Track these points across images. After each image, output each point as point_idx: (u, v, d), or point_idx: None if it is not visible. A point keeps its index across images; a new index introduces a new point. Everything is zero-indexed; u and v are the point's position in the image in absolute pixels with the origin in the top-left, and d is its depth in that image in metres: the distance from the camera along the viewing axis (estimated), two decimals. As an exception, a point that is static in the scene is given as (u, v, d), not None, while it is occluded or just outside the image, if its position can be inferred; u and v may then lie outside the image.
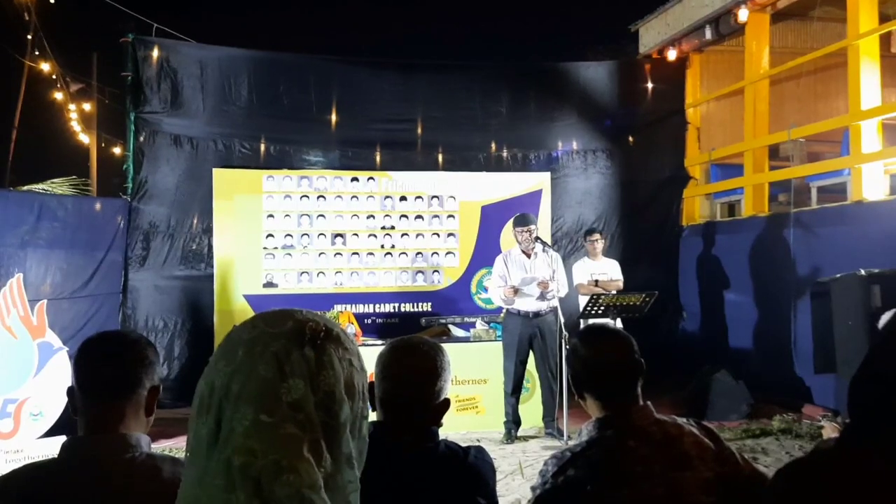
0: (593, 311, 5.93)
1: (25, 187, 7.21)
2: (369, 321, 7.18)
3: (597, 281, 6.73)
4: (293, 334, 0.84)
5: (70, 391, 1.55)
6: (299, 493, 0.76)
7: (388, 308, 7.39)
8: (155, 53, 7.23)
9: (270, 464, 0.76)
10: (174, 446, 5.60)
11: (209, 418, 0.81)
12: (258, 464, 0.76)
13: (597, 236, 6.93)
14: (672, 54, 8.72)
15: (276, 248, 7.16)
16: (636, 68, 8.77)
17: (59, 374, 5.19)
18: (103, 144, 14.55)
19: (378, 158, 7.85)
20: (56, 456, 1.48)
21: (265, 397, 0.79)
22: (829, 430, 3.14)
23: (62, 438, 1.52)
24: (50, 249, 6.37)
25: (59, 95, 12.33)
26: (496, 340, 6.21)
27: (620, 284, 6.75)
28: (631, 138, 8.55)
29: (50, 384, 5.15)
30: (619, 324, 6.15)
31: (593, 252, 6.90)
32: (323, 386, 0.82)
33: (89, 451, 1.48)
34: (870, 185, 6.39)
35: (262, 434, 0.77)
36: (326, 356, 0.84)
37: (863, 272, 5.11)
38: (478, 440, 5.75)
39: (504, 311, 6.06)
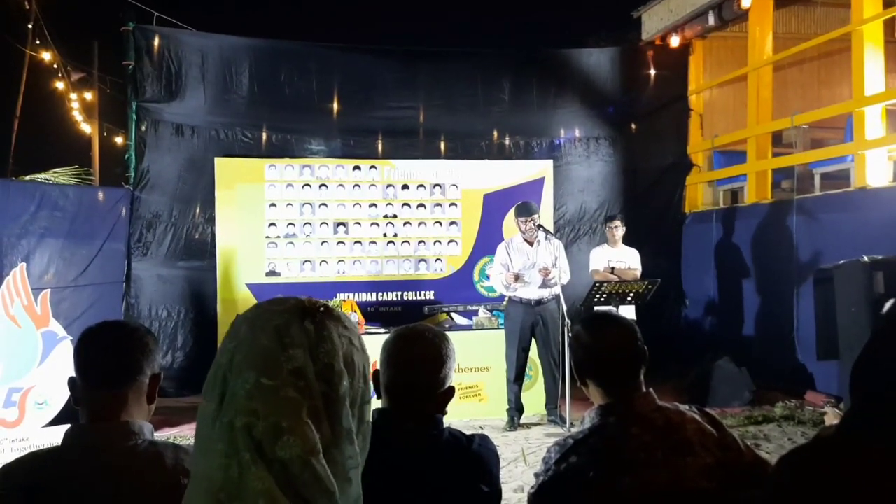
0: (597, 299, 5.94)
1: (28, 177, 7.21)
2: (372, 310, 7.19)
3: (613, 268, 6.61)
4: (294, 309, 0.88)
5: (71, 381, 1.56)
6: (300, 457, 0.79)
7: (390, 296, 7.39)
8: (156, 42, 7.21)
9: (271, 426, 0.79)
10: (178, 434, 5.63)
11: (214, 394, 0.84)
12: (260, 425, 0.79)
13: (617, 223, 6.75)
14: (675, 41, 8.67)
15: (278, 236, 7.16)
16: (639, 55, 8.72)
17: (64, 363, 5.21)
18: (105, 134, 14.52)
19: (380, 146, 7.84)
20: (59, 444, 1.49)
21: (267, 363, 0.82)
22: (832, 417, 3.16)
23: (67, 427, 1.53)
24: (53, 239, 6.38)
25: (60, 85, 12.30)
26: (499, 328, 6.22)
27: (637, 274, 6.58)
28: (633, 125, 8.52)
29: (54, 373, 5.17)
30: (631, 312, 6.17)
31: (613, 239, 6.74)
32: (322, 357, 0.85)
33: (92, 439, 1.49)
34: (873, 171, 6.37)
35: (264, 396, 0.81)
36: (326, 331, 0.87)
37: (866, 259, 5.10)
38: (481, 427, 5.77)
39: (506, 298, 6.07)
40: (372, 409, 1.70)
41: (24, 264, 5.45)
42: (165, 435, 5.49)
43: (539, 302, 5.86)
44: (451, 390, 1.74)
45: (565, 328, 5.54)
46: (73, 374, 1.57)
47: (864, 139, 6.45)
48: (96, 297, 6.72)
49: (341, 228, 7.32)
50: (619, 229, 6.74)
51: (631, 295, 6.08)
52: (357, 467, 0.87)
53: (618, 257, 6.71)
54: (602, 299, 5.95)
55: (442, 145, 7.99)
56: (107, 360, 1.55)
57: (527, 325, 5.85)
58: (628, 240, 6.95)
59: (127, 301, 7.08)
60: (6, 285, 5.19)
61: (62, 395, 5.09)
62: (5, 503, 1.40)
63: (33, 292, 5.29)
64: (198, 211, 7.32)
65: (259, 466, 0.78)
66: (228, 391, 0.83)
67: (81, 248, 6.63)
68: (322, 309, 0.89)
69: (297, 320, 0.86)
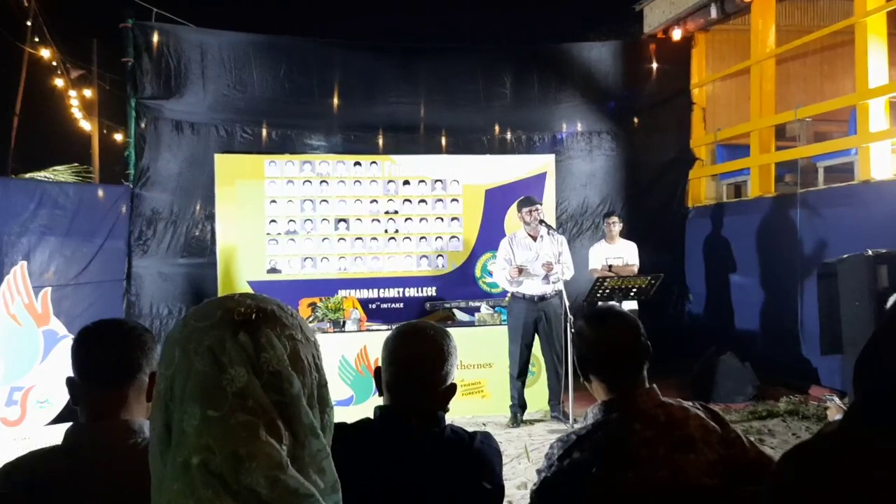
0: (599, 295, 5.93)
1: (27, 175, 7.21)
2: (374, 306, 7.18)
3: (611, 266, 6.67)
4: (224, 324, 0.82)
5: (69, 381, 1.55)
6: (267, 477, 0.75)
7: (392, 293, 7.38)
8: (155, 39, 7.19)
9: (229, 456, 0.75)
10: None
11: (157, 423, 0.81)
12: (217, 459, 0.75)
13: (615, 219, 6.83)
14: (677, 34, 8.64)
15: (279, 233, 7.15)
16: (641, 48, 8.69)
17: (65, 361, 5.20)
18: (105, 131, 14.54)
19: (381, 142, 7.82)
20: (60, 443, 1.49)
21: (208, 392, 0.78)
22: (834, 411, 3.14)
23: (68, 425, 1.53)
24: (53, 237, 6.37)
25: (59, 82, 12.30)
26: (501, 324, 6.21)
27: (635, 269, 6.66)
28: (636, 119, 8.50)
29: (55, 371, 5.17)
30: (634, 306, 6.19)
31: (610, 235, 6.82)
32: (266, 367, 0.81)
33: (93, 438, 1.48)
34: (877, 164, 6.35)
35: (213, 429, 0.76)
36: (264, 337, 0.82)
37: (870, 252, 5.09)
38: (483, 424, 5.76)
39: (509, 294, 6.06)
40: (374, 407, 1.70)
41: (25, 262, 5.45)
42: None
43: (542, 298, 5.85)
44: (453, 387, 1.73)
45: (568, 324, 5.53)
46: (71, 373, 1.56)
47: (867, 132, 6.42)
48: (97, 295, 6.71)
49: (342, 225, 7.30)
50: (616, 225, 6.81)
51: (634, 290, 6.07)
52: (328, 456, 0.84)
53: (615, 253, 6.77)
54: (605, 295, 5.94)
55: (443, 140, 7.97)
56: (105, 358, 1.54)
57: (530, 321, 5.84)
58: (631, 234, 6.95)
59: (128, 299, 7.07)
60: (7, 284, 5.19)
61: (63, 394, 5.08)
62: (7, 502, 1.40)
63: (34, 291, 5.30)
64: (198, 208, 7.31)
65: (225, 500, 0.74)
66: (175, 424, 0.78)
67: (82, 246, 6.63)
68: (254, 315, 0.83)
69: (230, 335, 0.81)
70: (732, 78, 8.62)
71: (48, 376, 5.18)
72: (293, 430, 0.81)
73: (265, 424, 0.78)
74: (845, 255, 5.32)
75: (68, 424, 1.52)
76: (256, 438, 0.76)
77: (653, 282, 6.06)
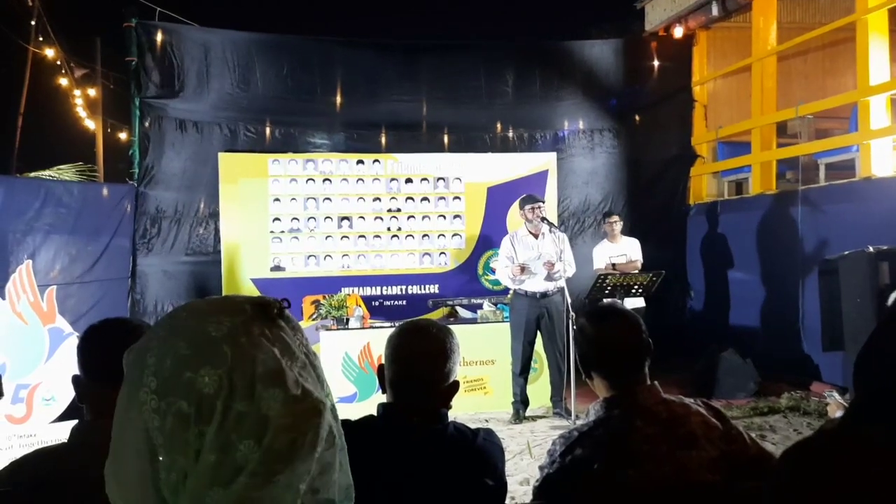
0: (600, 293, 5.94)
1: (32, 174, 7.23)
2: (377, 304, 7.20)
3: (614, 265, 6.70)
4: (261, 314, 0.84)
5: (75, 379, 1.57)
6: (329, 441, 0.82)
7: (395, 290, 7.40)
8: (158, 38, 7.20)
9: (313, 435, 0.80)
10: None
11: (209, 425, 0.77)
12: (301, 439, 0.79)
13: (615, 218, 6.85)
14: (678, 31, 8.64)
15: (282, 231, 7.17)
16: (642, 46, 8.69)
17: (70, 359, 5.22)
18: (109, 130, 14.52)
19: (383, 140, 7.83)
20: (65, 441, 1.50)
21: (280, 376, 0.80)
22: (835, 408, 3.14)
23: (75, 423, 1.55)
24: (58, 236, 6.38)
25: (63, 81, 12.31)
26: (503, 321, 6.22)
27: (639, 265, 6.67)
28: (637, 117, 8.50)
29: (61, 369, 5.19)
30: (641, 303, 6.22)
31: (612, 234, 6.83)
32: (301, 350, 0.85)
33: (97, 436, 1.49)
34: (878, 161, 6.35)
35: (296, 408, 0.79)
36: (292, 322, 0.87)
37: (871, 249, 5.09)
38: (486, 420, 5.78)
39: (511, 291, 6.07)
40: (377, 403, 1.71)
41: (30, 261, 5.47)
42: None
43: (544, 295, 5.86)
44: (456, 384, 1.74)
45: (570, 321, 5.54)
46: (77, 371, 1.58)
47: (869, 129, 6.42)
48: (102, 293, 6.73)
49: (345, 223, 7.32)
50: (616, 224, 6.82)
51: (635, 287, 6.08)
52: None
53: (619, 251, 6.78)
54: (606, 292, 5.95)
55: (445, 138, 7.98)
56: (110, 357, 1.56)
57: (532, 317, 5.86)
58: (633, 232, 6.97)
59: (133, 297, 7.10)
60: (12, 282, 5.21)
61: (69, 391, 5.11)
62: (13, 499, 1.41)
63: (39, 289, 5.31)
64: (202, 206, 7.34)
65: (291, 478, 0.78)
66: (233, 419, 0.78)
67: (87, 245, 6.65)
68: (278, 305, 0.87)
69: (270, 324, 0.84)
70: (734, 75, 8.61)
71: (54, 374, 5.20)
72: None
73: (329, 398, 0.84)
74: (846, 252, 5.32)
75: (73, 422, 1.53)
76: (325, 410, 0.81)
77: (654, 279, 6.08)
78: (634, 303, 6.17)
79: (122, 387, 0.86)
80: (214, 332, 0.80)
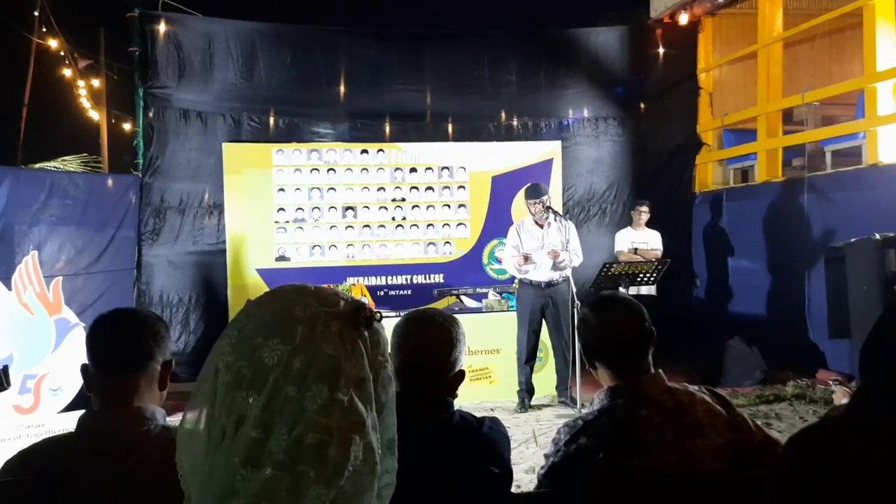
0: (606, 281, 5.94)
1: (37, 165, 7.24)
2: (382, 293, 7.21)
3: (636, 249, 6.89)
4: (350, 315, 0.85)
5: (84, 368, 1.58)
6: (366, 475, 0.80)
7: (400, 280, 7.41)
8: (161, 28, 7.20)
9: (345, 442, 0.78)
10: (192, 419, 5.67)
11: (258, 395, 0.79)
12: (333, 442, 0.78)
13: (645, 207, 7.08)
14: (684, 18, 8.57)
15: (287, 221, 7.17)
16: (647, 33, 8.63)
17: (77, 349, 5.25)
18: (113, 121, 14.52)
19: (387, 130, 7.82)
20: (73, 430, 1.51)
21: (336, 376, 0.80)
22: (840, 396, 3.15)
23: (82, 412, 1.55)
24: (63, 227, 6.40)
25: (67, 72, 12.29)
26: (508, 311, 6.23)
27: (659, 254, 6.86)
28: (642, 105, 8.46)
29: (68, 360, 5.22)
30: (652, 291, 6.29)
31: (637, 221, 7.07)
32: (376, 366, 0.85)
33: (105, 425, 1.50)
34: (885, 148, 6.30)
35: (337, 412, 0.79)
36: (379, 336, 0.87)
37: (878, 236, 5.07)
38: (492, 409, 5.79)
39: (517, 281, 6.07)
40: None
41: (36, 252, 5.49)
42: (178, 420, 5.54)
43: (549, 284, 5.86)
44: (462, 373, 1.74)
45: (575, 310, 5.55)
46: (86, 360, 1.58)
47: (875, 115, 6.37)
48: (108, 284, 6.76)
49: (350, 213, 7.32)
50: (644, 214, 7.08)
51: (640, 276, 6.08)
52: (392, 483, 0.89)
53: (641, 238, 7.00)
54: (611, 281, 5.96)
55: (449, 128, 7.96)
56: (119, 347, 1.57)
57: (537, 307, 5.86)
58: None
59: (138, 287, 7.12)
60: (18, 273, 5.23)
61: (76, 382, 5.14)
62: (21, 489, 1.41)
63: (45, 280, 5.33)
64: (206, 197, 7.34)
65: (332, 484, 0.77)
66: (279, 402, 0.79)
67: (93, 236, 6.67)
68: (370, 314, 0.87)
69: (355, 328, 0.85)
70: (739, 62, 8.55)
71: (61, 364, 5.23)
72: (383, 428, 0.86)
73: (371, 419, 0.82)
74: (853, 240, 5.30)
75: (81, 412, 1.54)
76: (365, 428, 0.80)
77: (659, 267, 6.07)
78: (644, 290, 6.25)
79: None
80: (299, 312, 0.83)
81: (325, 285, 0.90)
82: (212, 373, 0.83)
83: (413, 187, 7.44)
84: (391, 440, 0.88)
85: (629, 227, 7.17)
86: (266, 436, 0.77)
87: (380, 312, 0.90)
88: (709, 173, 8.78)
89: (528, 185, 6.11)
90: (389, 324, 1.79)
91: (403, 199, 7.42)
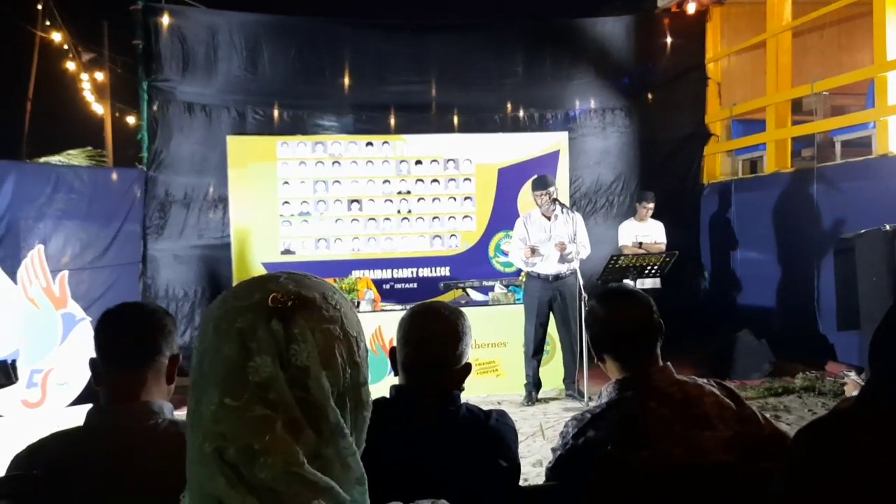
0: (613, 274, 5.92)
1: (42, 159, 7.24)
2: (388, 287, 7.20)
3: (640, 243, 6.86)
4: (259, 307, 0.78)
5: (92, 362, 1.59)
6: (284, 473, 0.72)
7: (406, 273, 7.40)
8: (165, 20, 7.18)
9: (244, 448, 0.72)
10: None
11: (190, 399, 0.78)
12: (231, 449, 0.72)
13: (651, 202, 7.05)
14: (691, 7, 8.50)
15: (292, 215, 7.16)
16: (654, 23, 8.57)
17: (83, 343, 5.27)
18: (117, 114, 14.53)
19: (392, 122, 7.79)
20: (81, 424, 1.52)
21: (230, 379, 0.74)
22: (852, 387, 3.13)
23: (89, 406, 1.56)
24: (69, 221, 6.42)
25: (71, 66, 12.29)
26: (515, 304, 6.21)
27: (663, 247, 6.83)
28: (650, 95, 8.41)
29: (74, 354, 5.24)
30: (657, 284, 6.28)
31: (641, 215, 7.02)
32: (294, 361, 0.76)
33: (113, 419, 1.51)
34: (895, 138, 6.25)
35: (229, 418, 0.73)
36: (297, 328, 0.77)
37: (888, 227, 5.03)
38: (499, 403, 5.78)
39: (524, 273, 6.05)
40: (389, 386, 1.70)
41: (42, 246, 5.50)
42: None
43: (557, 277, 5.83)
44: (468, 366, 1.74)
45: (583, 302, 5.53)
46: (93, 354, 1.59)
47: (885, 105, 6.31)
48: (114, 278, 6.78)
49: (355, 205, 7.30)
50: (649, 209, 7.02)
51: (648, 268, 6.05)
52: (354, 454, 0.80)
53: (644, 231, 6.95)
54: (619, 273, 5.94)
55: (455, 119, 7.93)
56: (126, 341, 1.58)
57: (544, 299, 5.84)
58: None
59: (144, 281, 7.13)
60: (24, 268, 5.25)
61: (83, 376, 5.16)
62: (30, 482, 1.43)
63: (51, 274, 5.35)
64: (211, 190, 7.34)
65: (239, 490, 0.71)
66: (196, 405, 0.76)
67: (98, 230, 6.68)
68: (290, 303, 0.78)
69: (263, 320, 0.76)
70: (748, 52, 8.49)
71: (67, 358, 5.25)
72: (317, 429, 0.77)
73: (283, 421, 0.74)
74: (863, 230, 5.27)
75: (88, 406, 1.55)
76: (272, 433, 0.73)
77: (667, 259, 6.05)
78: (649, 283, 6.20)
79: None
80: (215, 310, 0.81)
81: (313, 275, 0.87)
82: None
83: (418, 180, 7.41)
84: (336, 425, 0.78)
85: (632, 219, 7.13)
86: (191, 445, 0.76)
87: (304, 296, 0.80)
88: (717, 164, 8.73)
89: (535, 176, 6.08)
90: (395, 317, 1.78)
91: (409, 192, 7.40)
